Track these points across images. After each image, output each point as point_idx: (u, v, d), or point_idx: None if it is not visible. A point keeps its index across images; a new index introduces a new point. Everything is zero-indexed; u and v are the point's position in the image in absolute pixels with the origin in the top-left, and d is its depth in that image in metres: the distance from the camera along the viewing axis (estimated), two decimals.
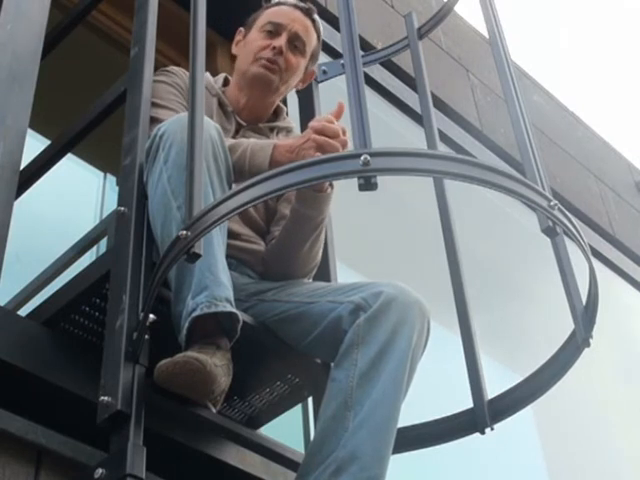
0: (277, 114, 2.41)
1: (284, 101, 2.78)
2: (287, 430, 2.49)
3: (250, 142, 2.05)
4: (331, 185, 2.08)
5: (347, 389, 1.76)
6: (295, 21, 2.33)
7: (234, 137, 2.24)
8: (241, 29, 2.41)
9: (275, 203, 2.28)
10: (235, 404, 2.13)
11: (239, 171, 1.98)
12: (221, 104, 2.31)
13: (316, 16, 2.40)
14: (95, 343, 1.93)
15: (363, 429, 1.70)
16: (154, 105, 2.09)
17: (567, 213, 1.59)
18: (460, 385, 2.17)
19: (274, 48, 2.28)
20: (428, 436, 2.07)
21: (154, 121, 2.01)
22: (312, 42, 2.37)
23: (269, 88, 2.30)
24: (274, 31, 2.31)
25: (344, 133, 1.99)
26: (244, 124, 2.30)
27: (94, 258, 2.36)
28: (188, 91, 1.79)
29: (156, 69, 2.15)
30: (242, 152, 2.01)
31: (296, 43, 2.32)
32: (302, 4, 2.38)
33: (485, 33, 2.25)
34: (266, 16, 2.36)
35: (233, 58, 2.45)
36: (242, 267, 2.13)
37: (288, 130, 2.40)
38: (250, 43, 2.33)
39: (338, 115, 2.05)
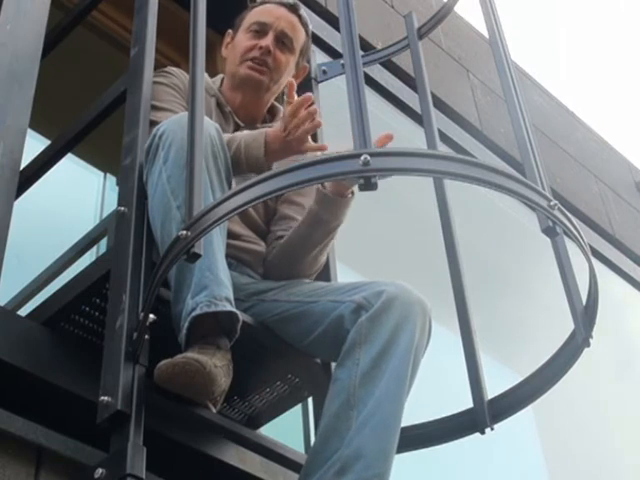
0: (274, 114, 2.40)
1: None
2: (287, 430, 2.49)
3: (243, 135, 2.05)
4: (352, 192, 2.07)
5: (350, 388, 1.76)
6: (280, 18, 2.32)
7: None
8: (230, 31, 2.41)
9: (275, 204, 2.28)
10: (235, 404, 2.13)
11: (236, 165, 1.98)
12: (219, 104, 2.30)
13: (302, 11, 2.38)
14: (95, 343, 1.93)
15: (367, 427, 1.70)
16: (154, 108, 2.08)
17: (567, 213, 1.59)
18: (460, 385, 2.17)
19: (261, 48, 2.27)
20: (428, 436, 2.07)
21: (153, 124, 1.99)
22: (300, 38, 2.35)
23: (259, 89, 2.29)
24: (260, 30, 2.30)
25: (312, 103, 1.96)
26: (242, 124, 2.29)
27: (94, 258, 2.36)
28: (188, 91, 1.79)
29: (156, 69, 2.15)
30: (237, 146, 2.01)
31: (284, 40, 2.31)
32: (287, 0, 2.36)
33: (485, 33, 2.25)
34: (252, 16, 2.35)
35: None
36: (242, 267, 2.12)
37: None
38: (237, 44, 2.33)
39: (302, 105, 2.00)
